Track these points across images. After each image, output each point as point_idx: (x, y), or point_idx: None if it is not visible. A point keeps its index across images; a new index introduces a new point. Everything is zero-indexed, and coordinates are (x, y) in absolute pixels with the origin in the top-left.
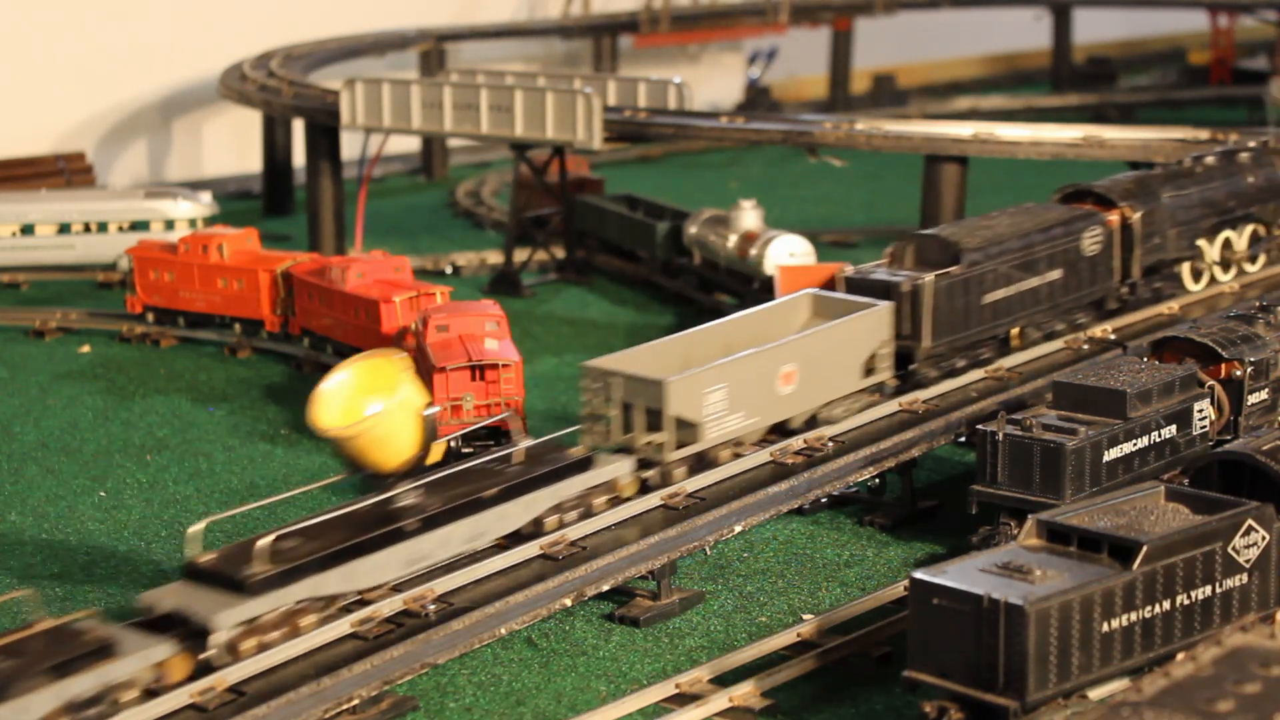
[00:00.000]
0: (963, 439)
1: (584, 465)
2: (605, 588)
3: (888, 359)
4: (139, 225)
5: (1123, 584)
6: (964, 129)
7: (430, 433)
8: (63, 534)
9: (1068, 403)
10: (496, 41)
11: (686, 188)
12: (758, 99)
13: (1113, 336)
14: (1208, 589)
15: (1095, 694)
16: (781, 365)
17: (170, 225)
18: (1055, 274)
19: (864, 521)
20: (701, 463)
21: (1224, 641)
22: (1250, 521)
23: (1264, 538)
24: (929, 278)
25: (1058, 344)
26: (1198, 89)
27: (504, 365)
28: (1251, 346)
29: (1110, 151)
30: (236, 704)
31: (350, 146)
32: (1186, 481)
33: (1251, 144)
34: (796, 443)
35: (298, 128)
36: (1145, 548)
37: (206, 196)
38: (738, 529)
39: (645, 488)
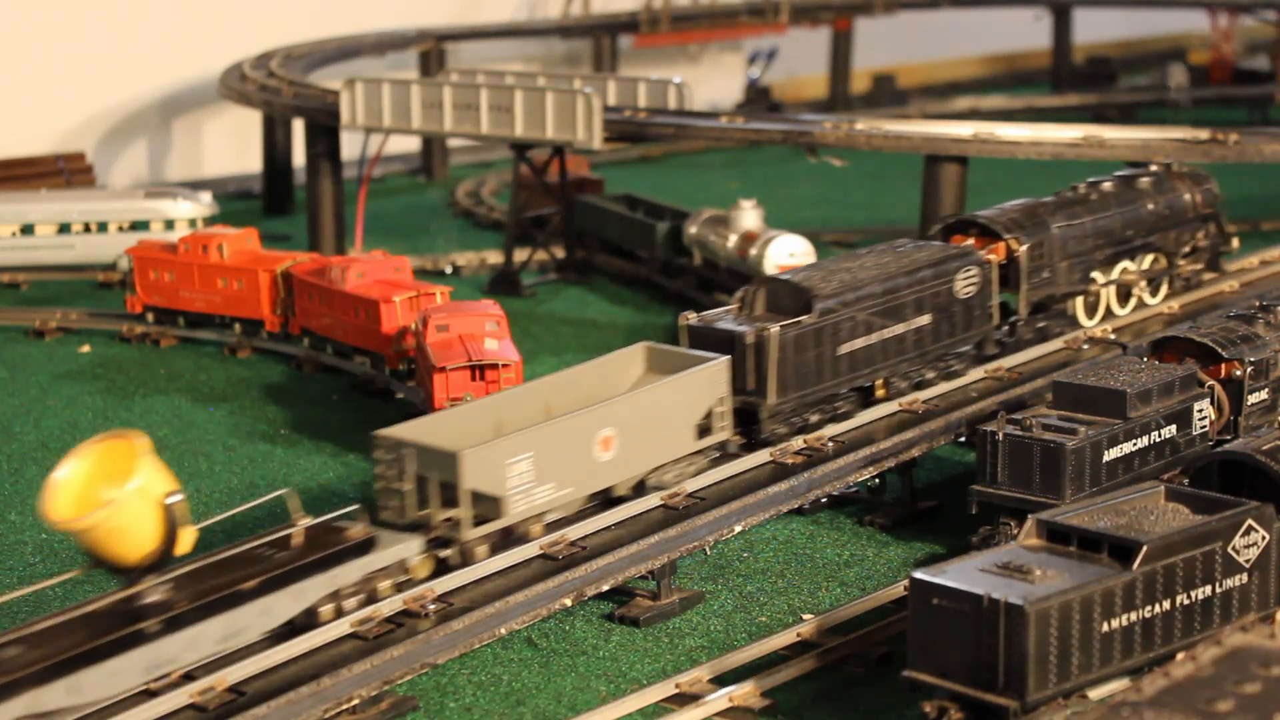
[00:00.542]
0: (963, 439)
1: (365, 547)
2: (605, 588)
3: (726, 417)
4: (139, 225)
5: (1123, 584)
6: (964, 129)
7: (173, 521)
8: (63, 534)
9: (1068, 403)
10: (496, 41)
11: (686, 188)
12: (758, 99)
13: (1113, 336)
14: (1208, 589)
15: (1095, 694)
16: (598, 430)
17: (170, 225)
18: (924, 319)
19: (864, 521)
20: (509, 539)
21: (1224, 641)
22: (1250, 521)
23: (1264, 538)
24: (774, 329)
25: (1057, 344)
26: (1198, 89)
27: (504, 365)
28: (1251, 346)
29: (1110, 151)
30: (236, 704)
31: (350, 146)
32: (1186, 481)
33: (1154, 168)
34: (796, 443)
35: (298, 128)
36: (1145, 548)
37: (206, 196)
38: (738, 529)
39: (444, 567)
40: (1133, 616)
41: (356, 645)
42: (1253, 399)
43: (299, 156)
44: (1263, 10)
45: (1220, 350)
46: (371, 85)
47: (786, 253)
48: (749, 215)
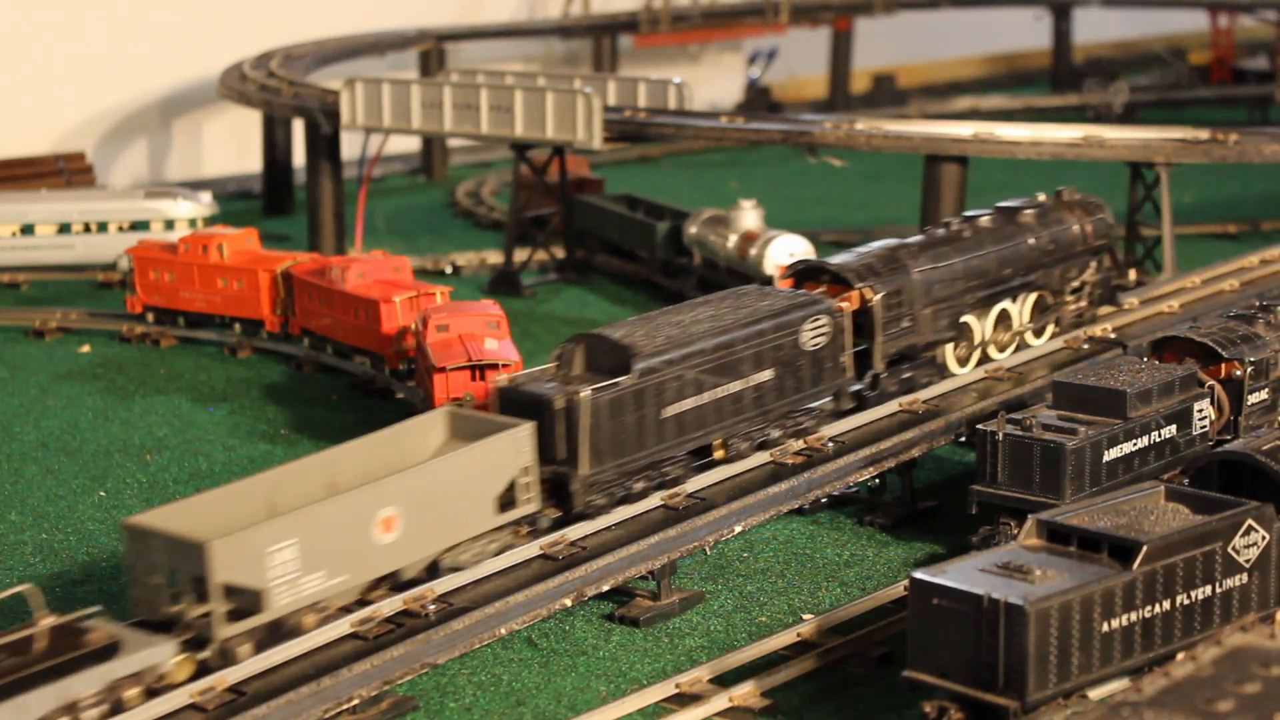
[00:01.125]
0: (963, 439)
1: (107, 653)
2: (605, 588)
3: (532, 489)
4: (139, 225)
5: (1123, 584)
6: (964, 129)
7: None
8: (63, 534)
9: (1068, 403)
10: (496, 41)
11: (686, 188)
12: (758, 99)
13: (1113, 336)
14: (1208, 589)
15: (1095, 694)
16: (377, 510)
17: (170, 225)
18: (765, 375)
19: (864, 521)
20: (277, 634)
21: (1224, 641)
22: (1250, 521)
23: (1264, 538)
24: (585, 392)
25: (1058, 343)
26: (1197, 89)
27: (504, 365)
28: (1251, 346)
29: (1110, 151)
30: (236, 704)
31: (350, 146)
32: (1186, 481)
33: (1041, 198)
34: (796, 443)
35: (298, 128)
36: (1145, 548)
37: (206, 196)
38: (738, 529)
39: (204, 669)
40: (1133, 616)
41: (356, 645)
42: (1253, 399)
43: (299, 156)
44: (1263, 10)
45: (1220, 350)
46: (371, 85)
47: (786, 253)
48: (749, 215)
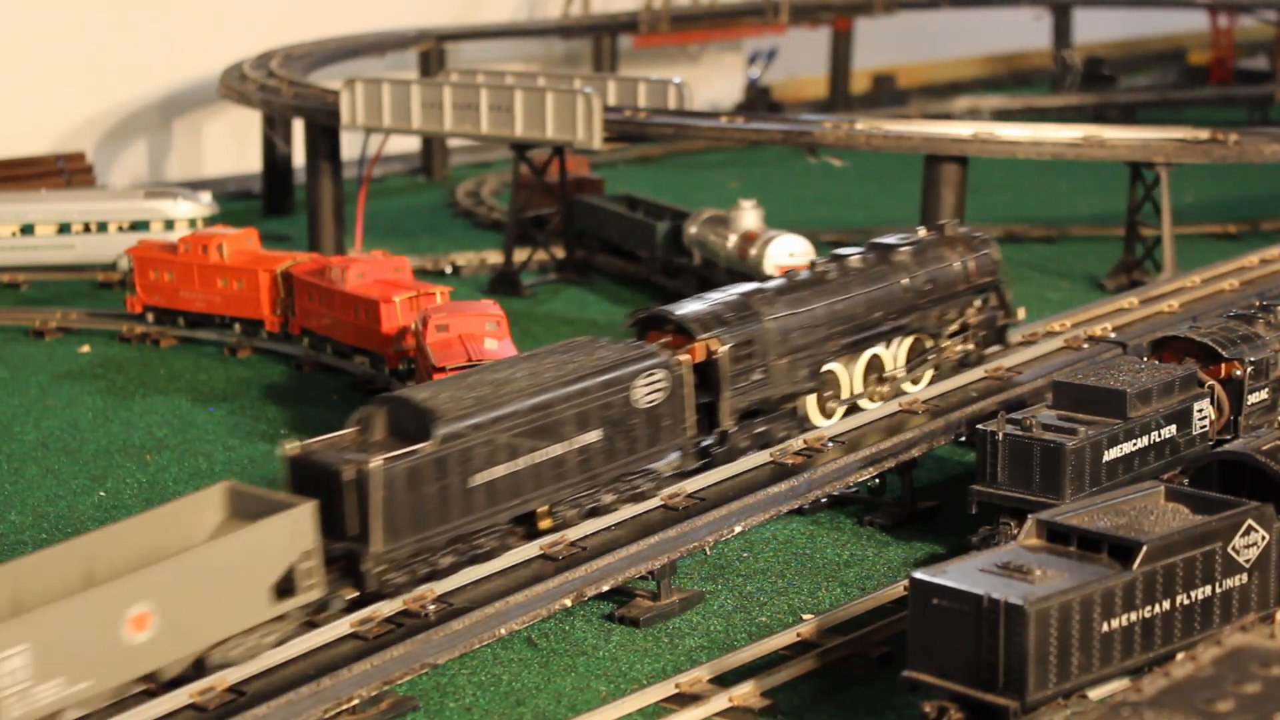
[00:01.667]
0: (963, 439)
1: None
2: (605, 588)
3: (315, 574)
4: (139, 225)
5: (1123, 584)
6: (964, 129)
7: None
8: (63, 534)
9: (1068, 403)
10: (496, 41)
11: (686, 188)
12: (758, 99)
13: (1113, 336)
14: (1208, 589)
15: (1095, 694)
16: (126, 607)
17: (170, 225)
18: (591, 436)
19: (864, 521)
20: None
21: (1224, 641)
22: (1250, 521)
23: (1264, 538)
24: (376, 462)
25: (1057, 343)
26: (1197, 89)
27: None
28: (1251, 346)
29: (1110, 151)
30: (236, 704)
31: (350, 146)
32: (1186, 481)
33: (921, 232)
34: (796, 443)
35: (298, 128)
36: (1145, 548)
37: (206, 196)
38: (738, 529)
39: None
40: (1133, 616)
41: (356, 645)
42: (1253, 399)
43: (299, 156)
44: (1263, 10)
45: (1220, 350)
46: (371, 85)
47: (786, 253)
48: (749, 215)
